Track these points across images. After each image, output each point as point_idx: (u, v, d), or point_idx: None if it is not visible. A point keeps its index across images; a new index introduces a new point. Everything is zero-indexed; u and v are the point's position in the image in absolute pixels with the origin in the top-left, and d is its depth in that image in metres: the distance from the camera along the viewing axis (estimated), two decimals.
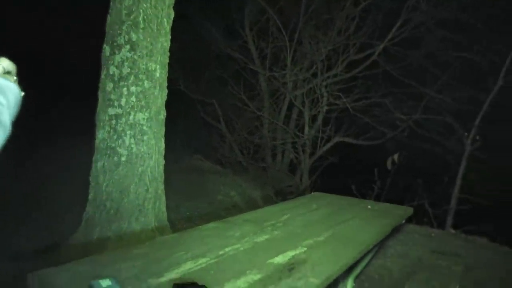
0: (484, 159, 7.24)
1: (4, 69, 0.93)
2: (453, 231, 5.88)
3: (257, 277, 1.61)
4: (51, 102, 9.09)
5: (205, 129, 11.29)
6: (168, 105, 3.81)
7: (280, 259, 1.83)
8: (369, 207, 3.14)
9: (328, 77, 8.96)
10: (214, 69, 10.87)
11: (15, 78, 0.95)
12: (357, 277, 3.26)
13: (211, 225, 2.34)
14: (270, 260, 1.80)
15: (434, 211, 6.92)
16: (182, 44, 10.27)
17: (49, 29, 9.84)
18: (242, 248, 1.95)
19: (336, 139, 9.36)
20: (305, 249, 1.99)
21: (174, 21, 3.77)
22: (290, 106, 9.95)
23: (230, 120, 10.61)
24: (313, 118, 9.51)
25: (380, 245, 3.25)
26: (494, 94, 6.80)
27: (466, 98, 7.54)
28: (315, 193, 3.66)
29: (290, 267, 1.73)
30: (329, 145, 9.41)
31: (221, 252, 1.87)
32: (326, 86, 9.01)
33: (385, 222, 2.68)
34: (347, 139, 9.42)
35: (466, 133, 7.35)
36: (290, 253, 1.92)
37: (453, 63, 7.95)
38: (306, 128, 9.27)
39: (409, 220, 5.84)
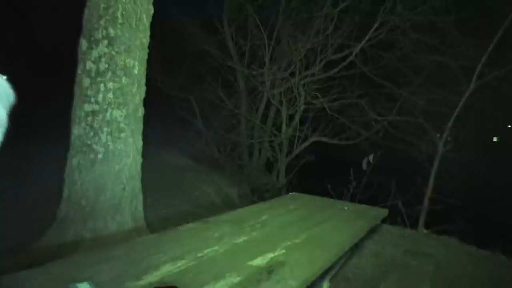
0: (455, 159, 7.46)
1: None
2: (425, 230, 6.03)
3: (236, 279, 1.61)
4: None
5: (182, 125, 11.20)
6: (144, 100, 3.75)
7: (259, 261, 1.84)
8: (345, 208, 3.19)
9: (306, 77, 9.01)
10: (192, 65, 10.78)
11: None
12: (332, 278, 3.31)
13: (189, 225, 2.33)
14: (249, 262, 1.81)
15: (408, 211, 7.09)
16: (159, 39, 10.18)
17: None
18: (221, 250, 1.95)
19: (313, 139, 9.45)
20: (284, 251, 2.01)
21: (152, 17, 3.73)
22: (268, 105, 9.96)
23: (207, 117, 10.55)
24: (291, 117, 9.55)
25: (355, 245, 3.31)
26: (467, 97, 6.98)
27: (440, 100, 7.73)
28: (292, 193, 3.68)
29: (270, 270, 1.74)
30: (305, 144, 9.49)
31: (199, 254, 1.86)
32: (304, 86, 9.06)
33: (361, 224, 2.72)
34: (323, 139, 9.53)
35: (438, 135, 7.54)
36: (269, 255, 1.93)
37: (427, 65, 8.14)
38: (284, 127, 9.32)
39: (383, 219, 5.96)
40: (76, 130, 3.37)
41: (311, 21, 8.88)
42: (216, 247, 1.98)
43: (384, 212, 3.25)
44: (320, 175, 8.57)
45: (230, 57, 9.86)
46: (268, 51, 8.92)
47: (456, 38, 7.34)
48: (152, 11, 3.67)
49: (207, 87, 10.08)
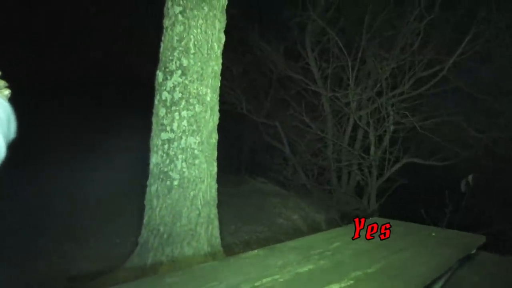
0: None
1: None
2: None
3: None
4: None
5: (268, 151, 11.29)
6: (231, 129, 3.81)
7: None
8: (433, 234, 2.86)
9: (394, 96, 8.59)
10: (276, 91, 10.90)
11: (6, 92, 0.87)
12: None
13: (252, 252, 2.23)
14: None
15: None
16: (243, 68, 10.50)
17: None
18: (281, 279, 1.82)
19: (405, 160, 8.88)
20: (351, 282, 1.81)
21: (234, 45, 3.79)
22: (355, 127, 9.65)
23: (293, 142, 10.51)
24: (379, 139, 9.13)
25: (450, 276, 2.94)
26: None
27: None
28: (373, 218, 3.42)
29: None
30: (397, 166, 8.94)
31: (257, 283, 1.75)
32: (392, 105, 8.64)
33: (449, 253, 2.41)
34: (416, 160, 8.90)
35: None
36: (334, 287, 1.75)
37: None
38: (372, 149, 8.91)
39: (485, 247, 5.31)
40: (154, 158, 3.50)
41: (396, 38, 8.51)
42: (276, 276, 1.85)
43: (480, 239, 2.85)
44: (414, 199, 8.00)
45: (313, 81, 9.79)
46: (352, 72, 8.70)
47: None
48: (223, 39, 3.75)
49: (292, 112, 10.07)
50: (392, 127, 8.72)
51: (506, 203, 6.82)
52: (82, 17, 10.70)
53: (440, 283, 2.66)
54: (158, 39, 3.65)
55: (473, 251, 2.75)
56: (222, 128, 3.83)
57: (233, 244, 5.04)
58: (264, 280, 1.80)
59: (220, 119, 3.82)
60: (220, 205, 3.83)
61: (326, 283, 1.79)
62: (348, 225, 3.16)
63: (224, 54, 3.83)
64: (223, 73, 3.91)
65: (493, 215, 6.66)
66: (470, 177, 5.94)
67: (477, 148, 7.95)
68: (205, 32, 3.53)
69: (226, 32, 3.78)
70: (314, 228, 6.90)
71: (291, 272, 1.92)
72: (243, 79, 10.54)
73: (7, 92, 0.87)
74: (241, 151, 12.47)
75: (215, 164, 3.72)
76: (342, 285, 1.78)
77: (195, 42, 3.49)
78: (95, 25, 10.55)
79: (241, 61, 10.15)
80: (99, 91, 11.04)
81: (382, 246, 2.45)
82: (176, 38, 3.48)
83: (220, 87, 3.84)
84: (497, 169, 7.60)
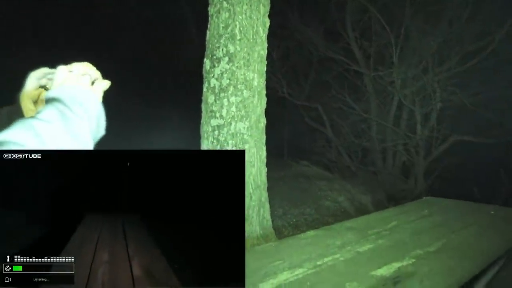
0: None
1: (91, 78, 0.89)
2: None
3: None
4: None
5: (311, 134, 11.23)
6: (272, 113, 3.83)
7: (383, 271, 1.69)
8: (492, 212, 2.78)
9: (441, 72, 8.28)
10: (317, 73, 10.78)
11: (103, 84, 0.90)
12: None
13: (310, 233, 2.26)
14: (373, 272, 1.67)
15: None
16: (283, 52, 10.44)
17: None
18: (342, 258, 1.85)
19: (453, 138, 8.56)
20: (413, 260, 1.81)
21: (274, 30, 3.79)
22: (400, 106, 9.40)
23: (336, 124, 10.40)
24: (426, 117, 8.86)
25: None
26: None
27: None
28: (427, 197, 3.37)
29: (395, 280, 1.59)
30: (445, 145, 8.65)
31: (319, 263, 1.79)
32: (438, 82, 8.34)
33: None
34: (466, 138, 8.58)
35: None
36: (396, 265, 1.76)
37: None
38: (419, 128, 8.67)
39: None
40: (205, 145, 3.58)
41: (443, 11, 8.16)
42: (337, 255, 1.88)
43: None
44: (466, 178, 7.74)
45: (355, 61, 9.60)
46: (396, 49, 8.45)
47: None
48: (268, 23, 3.75)
49: (334, 94, 9.93)
50: (439, 105, 8.43)
51: None
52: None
53: (503, 260, 2.60)
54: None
55: None
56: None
57: (282, 227, 5.11)
58: (325, 259, 1.83)
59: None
60: (267, 189, 3.87)
61: (387, 261, 1.80)
62: (402, 205, 3.13)
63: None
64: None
65: None
66: None
67: None
68: (250, 17, 3.54)
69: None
70: (361, 210, 6.85)
71: (351, 251, 1.94)
72: (283, 63, 10.49)
73: (104, 83, 0.91)
74: (282, 135, 12.46)
75: (264, 148, 3.75)
76: (404, 263, 1.79)
77: (241, 28, 3.51)
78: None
79: (281, 45, 10.09)
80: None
81: (441, 225, 2.42)
82: (222, 25, 3.51)
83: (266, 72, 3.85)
84: None
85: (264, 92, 3.75)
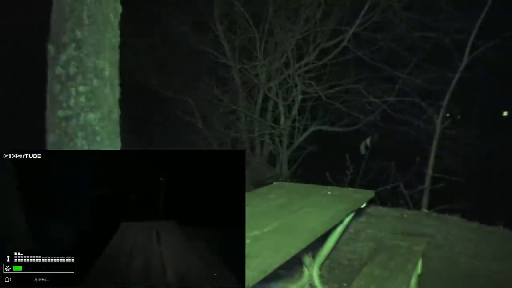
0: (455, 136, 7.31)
1: None
2: (426, 211, 5.90)
3: None
4: None
5: (182, 126, 11.15)
6: (141, 105, 3.70)
7: None
8: (329, 193, 3.09)
9: (300, 67, 8.91)
10: (186, 66, 10.72)
11: None
12: (322, 265, 3.22)
13: None
14: None
15: (410, 192, 6.95)
16: (151, 43, 10.16)
17: None
18: None
19: (312, 128, 9.34)
20: (248, 241, 1.92)
21: (141, 21, 3.64)
22: (265, 98, 9.87)
23: (206, 116, 10.49)
24: (289, 109, 9.46)
25: (345, 230, 3.22)
26: (461, 72, 6.82)
27: (438, 78, 7.58)
28: (277, 182, 3.61)
29: None
30: (306, 134, 9.39)
31: None
32: (299, 75, 8.96)
33: (341, 208, 2.63)
34: (323, 127, 9.41)
35: (435, 113, 7.38)
36: None
37: (422, 44, 7.98)
38: (282, 119, 9.24)
39: (384, 203, 5.86)
40: (52, 137, 3.32)
41: (300, 9, 8.76)
42: None
43: (370, 193, 3.15)
44: (323, 164, 8.47)
45: (223, 53, 9.79)
46: (260, 44, 8.84)
47: (448, 12, 7.16)
48: (120, 10, 3.59)
49: (204, 86, 10.01)
50: (299, 97, 9.07)
51: (402, 162, 7.50)
52: None
53: (335, 234, 2.91)
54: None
55: (364, 205, 3.03)
56: (129, 106, 3.72)
57: None
58: None
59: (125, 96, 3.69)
60: None
61: None
62: (254, 190, 3.31)
63: (126, 27, 3.68)
64: (126, 47, 3.76)
65: (389, 173, 7.29)
66: (368, 140, 6.41)
67: (376, 113, 8.57)
68: (99, 2, 3.36)
69: (127, 3, 3.63)
70: None
71: None
72: (151, 54, 10.21)
73: None
74: (150, 128, 12.13)
75: (118, 139, 3.60)
76: None
77: (89, 13, 3.31)
78: None
79: (147, 35, 9.79)
80: None
81: (282, 207, 2.61)
82: (67, 8, 3.27)
83: (124, 62, 3.71)
84: (393, 131, 8.30)
85: (118, 81, 3.60)
